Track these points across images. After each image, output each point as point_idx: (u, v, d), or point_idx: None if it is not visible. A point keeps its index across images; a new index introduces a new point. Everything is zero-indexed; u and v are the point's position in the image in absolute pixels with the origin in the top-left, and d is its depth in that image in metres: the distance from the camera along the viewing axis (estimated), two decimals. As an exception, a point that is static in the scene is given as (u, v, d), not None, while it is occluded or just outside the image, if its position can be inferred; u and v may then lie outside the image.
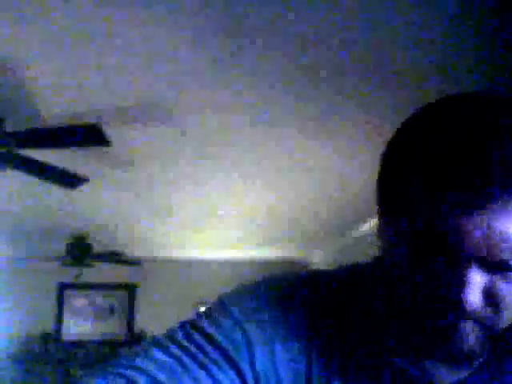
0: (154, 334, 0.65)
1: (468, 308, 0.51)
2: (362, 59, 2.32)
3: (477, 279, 0.51)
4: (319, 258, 6.71)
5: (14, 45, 2.24)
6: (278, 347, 0.61)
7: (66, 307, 6.82)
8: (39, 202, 4.52)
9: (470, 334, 0.54)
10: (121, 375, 0.56)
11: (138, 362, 0.58)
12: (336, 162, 3.58)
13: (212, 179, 4.01)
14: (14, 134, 2.69)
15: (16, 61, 2.36)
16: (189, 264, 6.97)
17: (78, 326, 6.80)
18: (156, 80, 2.53)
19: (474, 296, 0.51)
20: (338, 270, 0.70)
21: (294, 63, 2.37)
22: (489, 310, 0.53)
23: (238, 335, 0.60)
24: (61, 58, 2.33)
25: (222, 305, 0.64)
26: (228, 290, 0.68)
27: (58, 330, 6.72)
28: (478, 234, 0.49)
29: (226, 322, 0.61)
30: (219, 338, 0.60)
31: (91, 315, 6.89)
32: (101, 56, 2.32)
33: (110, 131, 2.69)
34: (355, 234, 5.28)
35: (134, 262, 6.05)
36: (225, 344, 0.59)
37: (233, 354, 0.59)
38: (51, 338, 6.57)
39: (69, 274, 6.08)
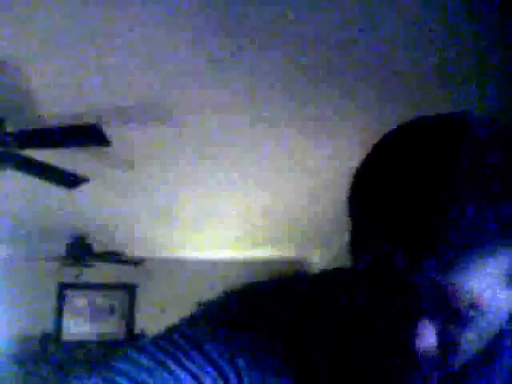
0: (154, 334, 0.66)
1: (420, 357, 0.51)
2: (362, 59, 2.32)
3: (428, 331, 0.51)
4: (319, 258, 6.71)
5: (13, 45, 2.24)
6: (261, 350, 0.62)
7: (66, 307, 6.82)
8: (39, 202, 4.52)
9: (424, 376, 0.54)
10: (106, 380, 0.57)
11: (122, 366, 0.59)
12: (336, 162, 3.58)
13: (212, 179, 4.00)
14: (14, 134, 2.69)
15: (16, 61, 2.36)
16: (189, 264, 6.97)
17: (78, 326, 6.80)
18: (156, 80, 2.53)
19: (424, 345, 0.51)
20: (327, 276, 0.70)
21: (293, 63, 2.37)
22: (443, 354, 0.53)
23: (220, 340, 0.61)
24: (61, 57, 2.33)
25: (205, 310, 0.66)
26: (227, 290, 0.69)
27: (58, 330, 6.71)
28: (428, 287, 0.49)
29: (210, 328, 0.63)
30: (200, 341, 0.61)
31: (91, 315, 6.89)
32: (101, 56, 2.32)
33: (110, 131, 2.69)
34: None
35: (134, 262, 6.05)
36: (207, 348, 0.60)
37: (215, 357, 0.60)
38: (51, 338, 6.57)
39: (69, 274, 6.08)
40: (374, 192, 0.52)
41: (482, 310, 0.50)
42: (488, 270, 0.48)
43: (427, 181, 0.48)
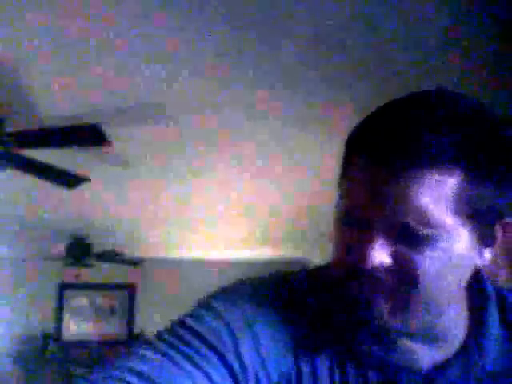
0: (158, 330, 0.67)
1: (372, 269, 0.55)
2: (362, 59, 2.32)
3: (380, 241, 0.56)
4: (319, 258, 6.71)
5: (13, 45, 2.24)
6: (263, 341, 0.63)
7: (65, 307, 6.82)
8: (39, 203, 4.52)
9: (381, 305, 0.57)
10: (113, 377, 0.57)
11: (130, 363, 0.59)
12: (337, 161, 3.57)
13: (212, 179, 4.00)
14: (14, 134, 2.69)
15: (16, 61, 2.36)
16: (189, 264, 6.97)
17: (78, 326, 6.80)
18: (156, 80, 2.53)
19: (376, 257, 0.55)
20: (320, 268, 0.73)
21: (294, 63, 2.37)
22: (397, 280, 0.56)
23: (221, 327, 0.63)
24: (61, 58, 2.33)
25: (204, 302, 0.67)
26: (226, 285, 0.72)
27: (58, 330, 6.71)
28: (378, 194, 0.55)
29: (209, 317, 0.64)
30: (204, 332, 0.62)
31: (91, 315, 6.89)
32: (101, 56, 2.32)
33: (110, 131, 2.69)
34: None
35: (134, 262, 6.04)
36: (209, 337, 0.62)
37: (218, 345, 0.61)
38: (51, 338, 6.57)
39: (69, 274, 6.08)
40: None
41: (430, 229, 0.54)
42: (437, 190, 0.53)
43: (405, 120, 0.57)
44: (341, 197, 0.60)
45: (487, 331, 0.65)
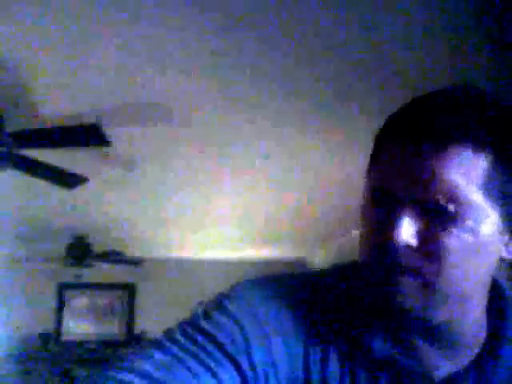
0: (154, 334, 0.66)
1: (398, 247, 0.55)
2: (361, 59, 2.32)
3: (409, 219, 0.56)
4: (319, 258, 6.71)
5: (13, 45, 2.24)
6: (275, 340, 0.62)
7: (66, 307, 6.83)
8: (39, 202, 4.52)
9: (408, 288, 0.56)
10: (120, 381, 0.56)
11: (137, 364, 0.58)
12: (336, 161, 3.58)
13: (212, 179, 4.01)
14: (14, 134, 2.69)
15: (16, 60, 2.36)
16: (189, 264, 6.98)
17: (78, 326, 6.80)
18: (156, 80, 2.53)
19: (404, 234, 0.55)
20: (327, 269, 0.72)
21: (294, 63, 2.37)
22: (425, 261, 0.56)
23: (234, 330, 0.61)
24: (61, 58, 2.33)
25: (218, 302, 0.65)
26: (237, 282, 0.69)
27: (58, 330, 6.72)
28: (409, 173, 0.55)
29: (223, 319, 0.62)
30: (216, 334, 0.60)
31: (91, 315, 6.89)
32: (101, 56, 2.32)
33: (110, 131, 2.69)
34: (356, 233, 5.27)
35: (134, 262, 6.05)
36: (222, 340, 0.60)
37: (230, 348, 0.60)
38: (51, 338, 6.57)
39: (69, 274, 6.09)
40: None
41: (459, 206, 0.54)
42: (466, 167, 0.54)
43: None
44: (369, 179, 0.61)
45: (505, 340, 0.63)
